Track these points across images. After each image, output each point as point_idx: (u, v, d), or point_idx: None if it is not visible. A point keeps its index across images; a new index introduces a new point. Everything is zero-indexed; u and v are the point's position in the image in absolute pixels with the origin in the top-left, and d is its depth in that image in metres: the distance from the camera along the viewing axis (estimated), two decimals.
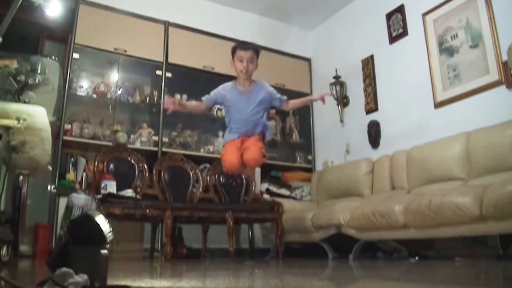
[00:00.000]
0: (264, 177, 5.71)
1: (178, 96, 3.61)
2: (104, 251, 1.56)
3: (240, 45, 3.41)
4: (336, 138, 5.92)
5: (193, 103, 3.77)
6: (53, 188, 4.52)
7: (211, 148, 5.63)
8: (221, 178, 5.27)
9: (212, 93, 3.42)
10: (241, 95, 3.36)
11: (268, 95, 3.41)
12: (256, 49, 3.38)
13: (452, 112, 4.48)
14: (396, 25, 5.24)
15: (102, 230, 1.59)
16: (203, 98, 3.44)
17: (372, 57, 5.54)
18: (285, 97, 3.50)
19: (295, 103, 3.62)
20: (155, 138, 5.18)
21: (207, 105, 3.52)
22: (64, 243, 1.59)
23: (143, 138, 5.16)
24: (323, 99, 3.43)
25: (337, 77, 5.84)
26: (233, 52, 3.38)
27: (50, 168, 3.70)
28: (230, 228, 4.44)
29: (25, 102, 3.23)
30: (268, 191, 5.60)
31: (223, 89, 3.41)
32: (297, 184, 5.85)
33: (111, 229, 1.62)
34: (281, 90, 6.08)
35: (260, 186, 5.63)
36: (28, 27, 4.47)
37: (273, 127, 3.60)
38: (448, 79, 4.58)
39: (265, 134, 3.41)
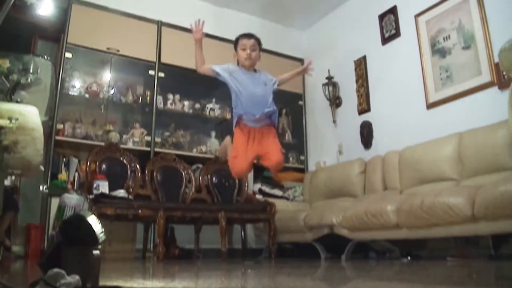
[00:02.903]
0: (256, 177, 5.71)
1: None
2: (96, 252, 1.56)
3: (242, 35, 3.47)
4: (329, 139, 5.94)
5: (202, 53, 3.48)
6: (45, 188, 4.50)
7: (203, 148, 5.62)
8: (214, 178, 5.26)
9: (219, 66, 3.41)
10: (246, 74, 3.39)
11: (267, 78, 3.49)
12: (258, 39, 3.46)
13: (444, 113, 4.50)
14: (389, 26, 5.26)
15: (94, 231, 1.59)
16: (212, 65, 3.41)
17: (364, 57, 5.56)
18: (276, 79, 3.57)
19: (285, 78, 3.73)
20: (148, 138, 5.17)
21: (209, 70, 3.42)
22: (56, 244, 1.59)
23: (135, 138, 5.15)
24: (305, 71, 3.93)
25: (329, 78, 5.85)
26: (236, 43, 3.44)
27: (42, 168, 3.68)
28: (222, 228, 4.44)
29: (17, 102, 3.22)
30: (260, 191, 5.59)
31: (228, 67, 3.42)
32: (289, 184, 5.85)
33: (103, 229, 1.62)
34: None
35: (252, 187, 5.62)
36: (20, 26, 4.45)
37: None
38: (441, 80, 4.60)
39: (275, 123, 3.43)
